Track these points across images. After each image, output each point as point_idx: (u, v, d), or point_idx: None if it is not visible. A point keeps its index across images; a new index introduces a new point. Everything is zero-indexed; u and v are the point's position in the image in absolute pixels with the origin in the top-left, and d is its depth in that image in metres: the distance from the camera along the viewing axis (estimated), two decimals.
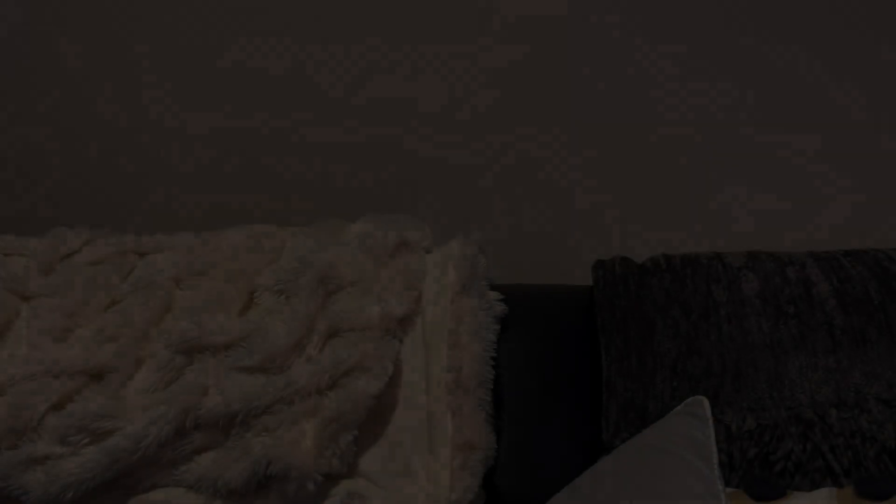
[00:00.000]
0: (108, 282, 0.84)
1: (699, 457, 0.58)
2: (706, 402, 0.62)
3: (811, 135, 1.04)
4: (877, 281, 0.85)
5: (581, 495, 0.60)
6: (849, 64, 1.03)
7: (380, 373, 0.73)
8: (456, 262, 0.84)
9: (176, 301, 0.83)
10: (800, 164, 1.05)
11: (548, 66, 1.06)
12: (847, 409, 0.77)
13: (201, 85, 1.10)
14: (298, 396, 0.72)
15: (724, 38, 1.04)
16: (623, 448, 0.62)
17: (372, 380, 0.72)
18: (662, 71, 1.05)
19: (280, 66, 1.08)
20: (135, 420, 0.72)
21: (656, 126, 1.06)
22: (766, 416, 0.78)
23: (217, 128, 1.11)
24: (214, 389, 0.73)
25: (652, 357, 0.85)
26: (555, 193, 1.09)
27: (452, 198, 1.11)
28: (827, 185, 1.05)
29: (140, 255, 0.90)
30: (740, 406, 0.79)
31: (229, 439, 0.73)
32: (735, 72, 1.04)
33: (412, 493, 0.69)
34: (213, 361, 0.75)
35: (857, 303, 0.83)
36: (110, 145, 1.14)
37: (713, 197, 1.08)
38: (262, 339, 0.75)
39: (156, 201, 1.16)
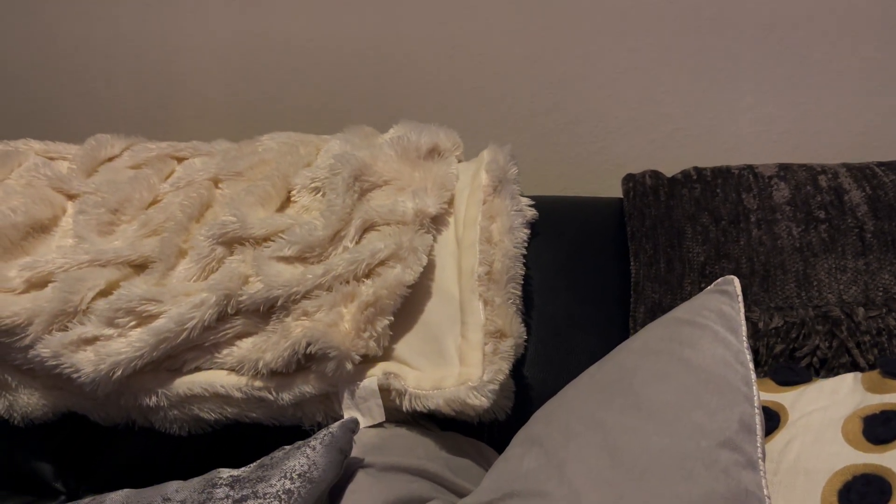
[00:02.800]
0: (150, 182, 0.88)
1: (728, 329, 0.60)
2: (736, 280, 0.64)
3: (856, 46, 1.03)
4: None
5: (608, 361, 0.63)
6: None
7: (414, 263, 0.76)
8: (487, 166, 0.86)
9: (215, 199, 0.86)
10: (840, 78, 1.04)
11: None
12: (875, 308, 0.79)
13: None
14: (336, 283, 0.75)
15: None
16: (651, 324, 0.64)
17: (407, 269, 0.75)
18: None
19: None
20: (179, 305, 0.76)
21: (691, 34, 1.05)
22: (793, 314, 0.80)
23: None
24: (255, 277, 0.77)
25: (680, 262, 0.88)
26: (584, 111, 1.11)
27: (481, 117, 1.13)
28: (868, 99, 1.04)
29: (179, 161, 0.93)
30: (768, 305, 0.82)
31: (269, 324, 0.76)
32: None
33: (445, 374, 0.73)
34: (253, 252, 0.79)
35: (889, 208, 0.85)
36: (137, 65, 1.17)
37: (745, 114, 1.09)
38: (301, 230, 0.78)
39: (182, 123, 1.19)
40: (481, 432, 0.80)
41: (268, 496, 0.56)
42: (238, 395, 0.76)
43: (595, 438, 0.55)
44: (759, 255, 0.85)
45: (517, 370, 0.81)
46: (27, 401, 0.80)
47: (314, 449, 0.60)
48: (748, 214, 0.88)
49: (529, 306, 0.85)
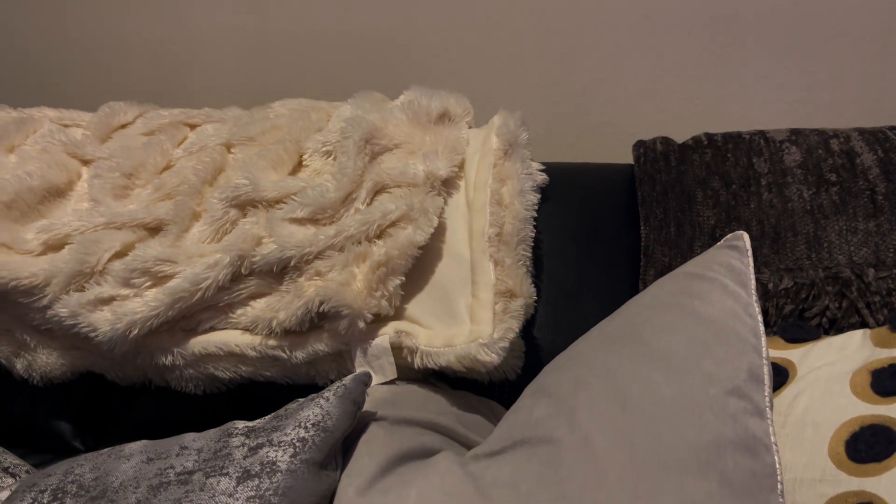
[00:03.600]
0: (163, 148, 0.89)
1: (738, 283, 0.61)
2: (746, 236, 0.64)
3: (868, 14, 1.03)
4: None
5: (618, 315, 0.63)
6: None
7: (425, 224, 0.77)
8: (498, 130, 0.87)
9: (228, 163, 0.87)
10: (852, 45, 1.04)
11: None
12: (885, 269, 0.79)
13: None
14: (348, 244, 0.76)
15: None
16: (661, 279, 0.65)
17: (418, 230, 0.76)
18: None
19: None
20: (193, 265, 0.77)
21: (702, 4, 1.05)
22: (803, 275, 0.80)
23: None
24: (268, 239, 0.78)
25: (691, 226, 0.88)
26: (595, 76, 1.11)
27: (491, 88, 1.13)
28: (881, 66, 1.04)
29: (191, 127, 0.94)
30: (778, 267, 0.82)
31: (283, 284, 0.78)
32: None
33: (456, 332, 0.74)
34: (266, 214, 0.80)
35: None
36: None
37: (756, 84, 1.09)
38: (313, 192, 0.79)
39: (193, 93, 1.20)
40: (492, 392, 0.81)
41: (283, 444, 0.58)
42: (252, 353, 0.77)
43: (605, 387, 0.56)
44: (770, 218, 0.85)
45: (527, 332, 0.82)
46: (46, 360, 0.82)
47: (328, 400, 0.62)
48: (759, 178, 0.88)
49: (539, 269, 0.86)
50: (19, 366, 0.82)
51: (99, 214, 0.82)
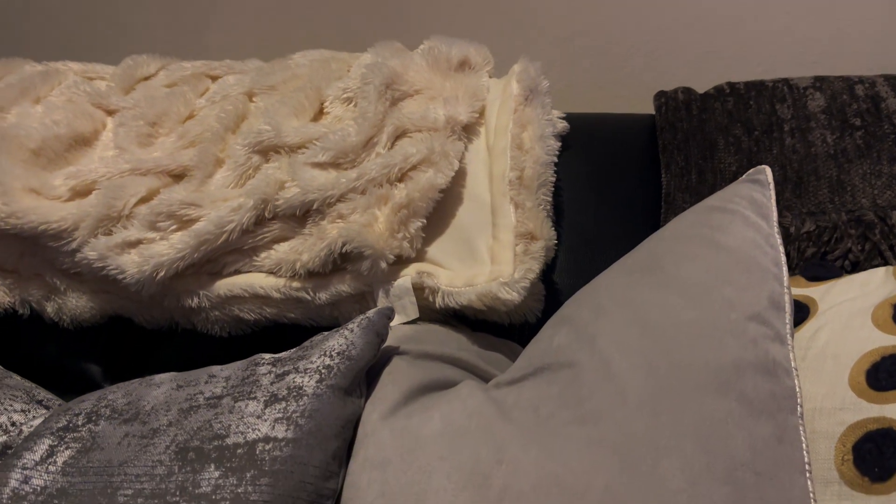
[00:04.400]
0: (186, 98, 0.90)
1: (759, 215, 0.61)
2: (768, 170, 0.64)
3: None
4: None
5: (639, 248, 0.64)
6: None
7: (446, 167, 0.78)
8: (518, 77, 0.87)
9: (250, 111, 0.88)
10: None
11: None
12: None
13: None
14: (370, 187, 0.77)
15: None
16: (681, 213, 0.65)
17: (439, 173, 0.77)
18: None
19: None
20: (218, 209, 0.78)
21: None
22: (825, 219, 0.80)
23: None
24: (290, 183, 0.79)
25: (712, 173, 0.88)
26: (615, 29, 1.10)
27: (511, 40, 1.13)
28: None
29: (213, 79, 0.95)
30: (800, 211, 0.82)
31: (305, 227, 0.79)
32: None
33: (477, 273, 0.75)
34: (288, 159, 0.81)
35: None
36: None
37: (780, 35, 1.08)
38: (334, 137, 0.80)
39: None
40: (511, 336, 0.82)
41: (308, 371, 0.59)
42: (277, 295, 0.79)
43: (625, 313, 0.57)
44: (793, 163, 0.85)
45: (547, 277, 0.83)
46: (75, 304, 0.84)
47: (352, 331, 0.63)
48: (782, 124, 0.88)
49: (560, 216, 0.87)
50: (50, 309, 0.85)
51: (124, 161, 0.84)
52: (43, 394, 0.73)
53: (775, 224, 0.62)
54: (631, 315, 0.56)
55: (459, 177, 0.81)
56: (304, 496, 0.53)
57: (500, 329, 0.81)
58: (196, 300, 0.80)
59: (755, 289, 0.57)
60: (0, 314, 0.85)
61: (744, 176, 0.66)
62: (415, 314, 0.76)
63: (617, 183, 0.91)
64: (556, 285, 0.84)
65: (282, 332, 0.83)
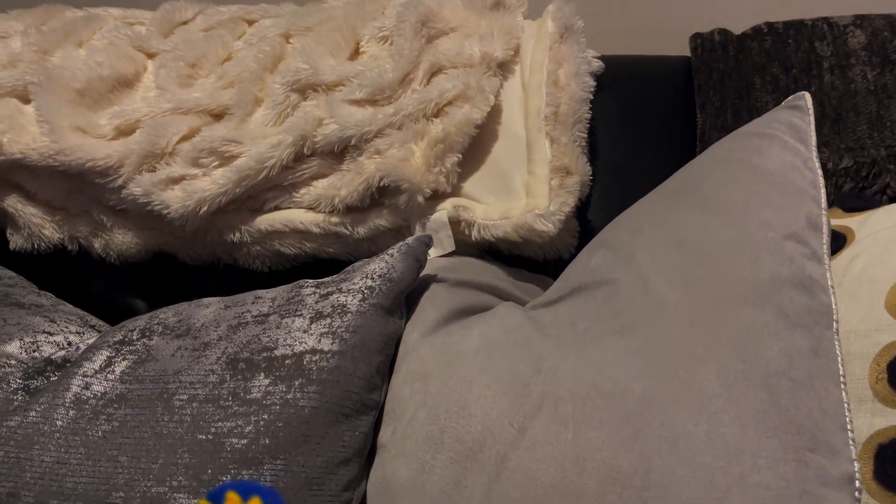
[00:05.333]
0: (224, 40, 0.92)
1: (798, 139, 0.62)
2: (807, 95, 0.65)
3: None
4: None
5: (676, 175, 0.65)
6: None
7: (482, 103, 0.79)
8: (553, 15, 0.88)
9: (287, 52, 0.90)
10: None
11: None
12: None
13: None
14: (407, 122, 0.79)
15: None
16: (718, 141, 0.66)
17: (475, 108, 0.78)
18: None
19: None
20: (258, 145, 0.81)
21: None
22: (864, 154, 0.80)
23: None
24: (328, 120, 0.81)
25: (748, 112, 0.88)
26: None
27: None
28: None
29: (249, 23, 0.97)
30: (838, 147, 0.82)
31: (343, 164, 0.81)
32: None
33: (512, 206, 0.76)
34: (325, 97, 0.83)
35: None
36: None
37: None
38: (371, 74, 0.81)
39: None
40: (546, 273, 0.84)
41: (351, 291, 0.62)
42: (316, 230, 0.81)
43: (662, 233, 0.58)
44: (831, 100, 0.85)
45: (581, 214, 0.85)
46: (122, 240, 0.87)
47: (392, 255, 0.65)
48: (821, 61, 0.88)
49: (594, 154, 0.88)
50: (97, 245, 0.88)
51: (166, 101, 0.86)
52: (95, 321, 0.76)
53: (814, 148, 0.62)
54: (668, 235, 0.58)
55: (495, 113, 0.82)
56: (350, 405, 0.55)
57: (535, 265, 0.83)
58: (238, 235, 0.83)
59: (792, 209, 0.58)
60: (50, 250, 0.88)
61: (783, 103, 0.67)
62: (451, 247, 0.78)
63: (651, 122, 0.91)
64: (589, 223, 0.85)
65: (321, 267, 0.85)
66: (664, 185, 0.65)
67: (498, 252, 0.82)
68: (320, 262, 0.85)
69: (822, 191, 0.60)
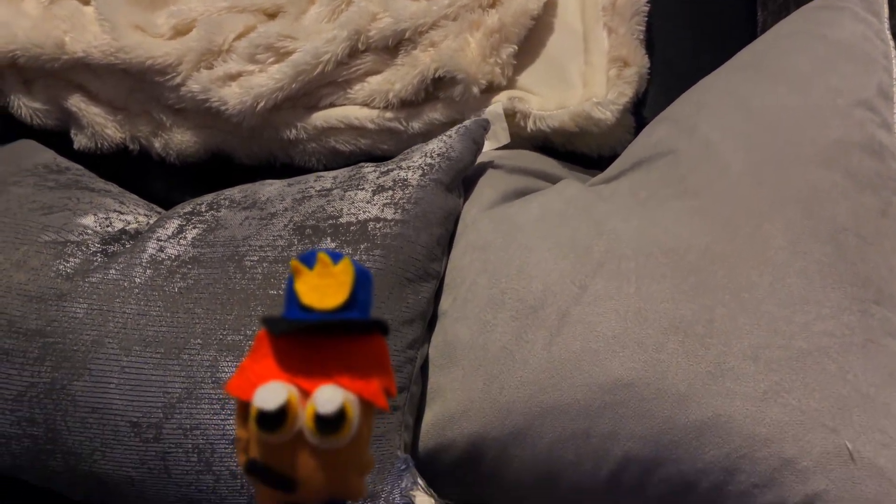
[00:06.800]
0: None
1: (869, 11, 0.61)
2: None
3: None
4: None
5: (740, 52, 0.64)
6: None
7: None
8: None
9: None
10: None
11: None
12: None
13: None
14: (462, 12, 0.79)
15: None
16: (786, 18, 0.65)
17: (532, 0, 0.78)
18: None
19: None
20: (313, 41, 0.82)
21: None
22: None
23: None
24: (383, 14, 0.82)
25: None
26: None
27: None
28: None
29: None
30: None
31: (398, 59, 0.82)
32: None
33: (569, 96, 0.77)
34: None
35: None
36: None
37: None
38: None
39: None
40: (601, 169, 0.84)
41: (411, 168, 0.63)
42: (371, 126, 0.83)
43: (727, 103, 0.58)
44: None
45: (637, 111, 0.84)
46: (181, 139, 0.90)
47: (450, 136, 0.67)
48: None
49: (651, 51, 0.87)
50: (157, 145, 0.91)
51: (221, 0, 0.88)
52: (159, 209, 0.79)
53: (886, 20, 0.61)
54: (734, 104, 0.58)
55: (551, 6, 0.82)
56: (413, 270, 0.58)
57: (589, 162, 0.83)
58: (294, 132, 0.85)
59: (863, 78, 0.57)
60: (112, 150, 0.91)
61: None
62: (506, 139, 0.79)
63: (711, 19, 0.90)
64: (646, 120, 0.84)
65: None
66: (728, 63, 0.65)
67: (552, 149, 0.83)
68: (374, 160, 0.86)
69: (894, 62, 0.59)
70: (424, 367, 0.58)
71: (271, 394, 0.26)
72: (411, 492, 0.48)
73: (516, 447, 0.51)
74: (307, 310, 0.27)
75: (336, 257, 0.28)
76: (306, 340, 0.27)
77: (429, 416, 0.55)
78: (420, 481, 0.50)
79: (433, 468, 0.54)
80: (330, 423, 0.26)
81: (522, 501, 0.53)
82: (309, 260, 0.29)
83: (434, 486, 0.53)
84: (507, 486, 0.53)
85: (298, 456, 0.26)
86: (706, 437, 0.46)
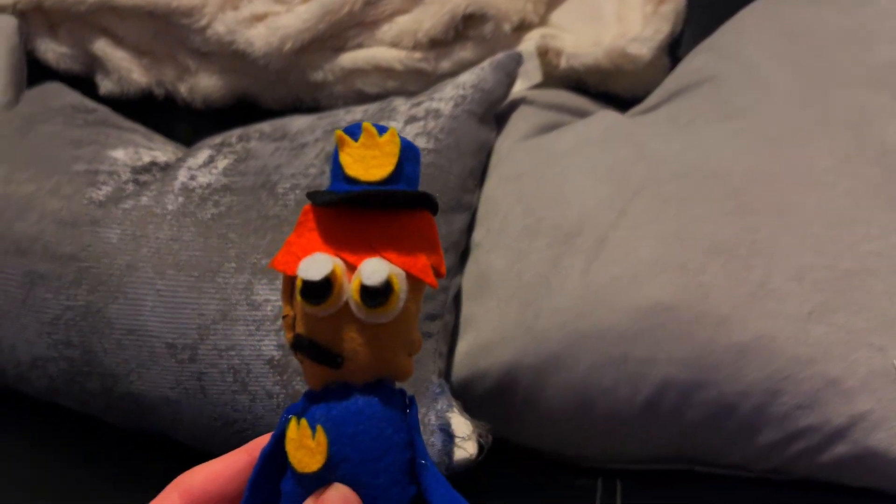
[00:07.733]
0: None
1: None
2: None
3: None
4: None
5: None
6: None
7: None
8: None
9: None
10: None
11: None
12: None
13: None
14: None
15: None
16: None
17: None
18: None
19: None
20: None
21: None
22: None
23: None
24: None
25: None
26: None
27: None
28: None
29: None
30: None
31: None
32: None
33: (603, 33, 0.75)
34: None
35: None
36: None
37: None
38: None
39: None
40: None
41: (443, 99, 0.63)
42: (399, 67, 0.82)
43: (771, 27, 0.57)
44: None
45: (673, 52, 0.83)
46: (206, 83, 0.90)
47: (483, 69, 0.66)
48: None
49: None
50: (183, 90, 0.91)
51: None
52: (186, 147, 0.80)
53: None
54: (777, 29, 0.57)
55: None
56: (445, 200, 0.57)
57: (623, 105, 0.82)
58: (321, 74, 0.85)
59: None
60: (138, 95, 0.92)
61: None
62: (538, 78, 0.78)
63: None
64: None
65: None
66: None
67: (585, 91, 0.82)
68: None
69: None
70: (457, 299, 0.58)
71: (316, 264, 0.25)
72: (447, 413, 0.48)
73: (551, 374, 0.51)
74: (352, 181, 0.27)
75: (382, 130, 0.28)
76: (352, 214, 0.27)
77: (462, 346, 0.55)
78: (455, 404, 0.50)
79: (467, 398, 0.54)
80: (376, 295, 0.25)
81: (556, 430, 0.53)
82: (354, 131, 0.28)
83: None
84: (540, 414, 0.53)
85: (345, 331, 0.26)
86: (748, 358, 0.46)
